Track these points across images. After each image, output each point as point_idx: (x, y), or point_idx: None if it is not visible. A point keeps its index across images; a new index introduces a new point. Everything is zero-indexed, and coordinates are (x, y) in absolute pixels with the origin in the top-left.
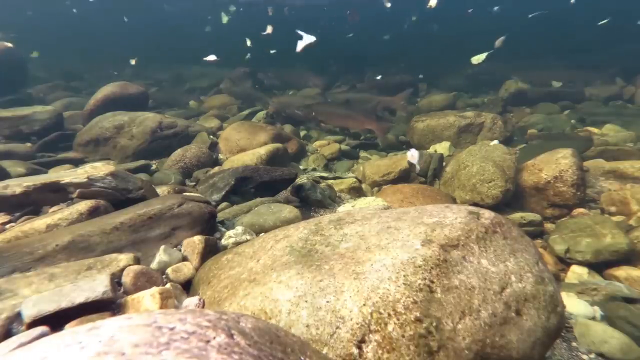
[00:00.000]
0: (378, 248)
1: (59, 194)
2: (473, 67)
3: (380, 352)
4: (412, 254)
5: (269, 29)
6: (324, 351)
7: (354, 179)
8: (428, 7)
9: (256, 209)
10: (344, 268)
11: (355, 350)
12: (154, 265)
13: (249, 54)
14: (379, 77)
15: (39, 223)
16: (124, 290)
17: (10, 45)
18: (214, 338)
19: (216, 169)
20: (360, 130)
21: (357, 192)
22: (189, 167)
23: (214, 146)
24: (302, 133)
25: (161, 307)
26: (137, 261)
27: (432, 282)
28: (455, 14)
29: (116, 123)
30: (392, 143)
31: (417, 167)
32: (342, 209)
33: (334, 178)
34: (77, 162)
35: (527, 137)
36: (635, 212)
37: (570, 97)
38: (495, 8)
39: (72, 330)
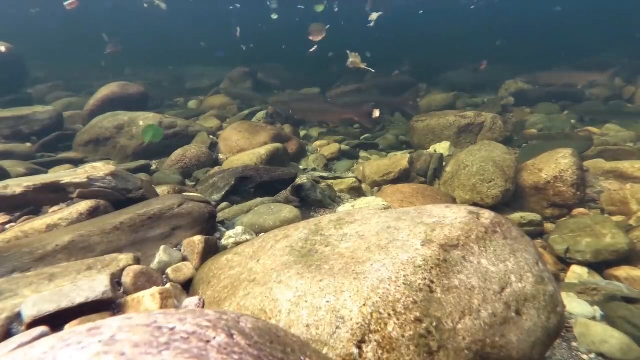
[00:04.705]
0: (378, 248)
1: (59, 194)
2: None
3: (380, 352)
4: (412, 254)
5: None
6: (324, 351)
7: (354, 179)
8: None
9: (256, 209)
10: (344, 268)
11: (355, 350)
12: (154, 265)
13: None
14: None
15: (39, 223)
16: (124, 290)
17: (9, 45)
18: (214, 338)
19: (216, 169)
20: (340, 122)
21: (357, 192)
22: (189, 167)
23: (214, 146)
24: (302, 133)
25: (161, 307)
26: (137, 261)
27: (432, 282)
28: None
29: (116, 123)
30: (392, 143)
31: None
32: (342, 209)
33: (334, 178)
34: (77, 162)
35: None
36: (635, 212)
37: (570, 97)
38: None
39: (72, 331)
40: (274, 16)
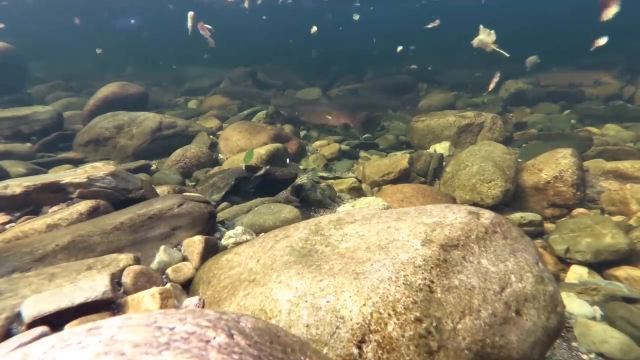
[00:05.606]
0: (378, 248)
1: (59, 194)
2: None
3: (380, 352)
4: (412, 254)
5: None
6: (324, 351)
7: (354, 179)
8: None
9: (256, 209)
10: (344, 268)
11: (355, 350)
12: (154, 265)
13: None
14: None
15: (39, 223)
16: (124, 290)
17: (9, 45)
18: (214, 338)
19: (216, 169)
20: (338, 126)
21: (357, 192)
22: (189, 167)
23: (214, 146)
24: (302, 133)
25: (161, 307)
26: (137, 261)
27: (432, 282)
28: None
29: (116, 123)
30: (392, 143)
31: None
32: (342, 209)
33: (334, 178)
34: (77, 162)
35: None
36: (635, 212)
37: (570, 97)
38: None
39: (72, 331)
40: (356, 17)
